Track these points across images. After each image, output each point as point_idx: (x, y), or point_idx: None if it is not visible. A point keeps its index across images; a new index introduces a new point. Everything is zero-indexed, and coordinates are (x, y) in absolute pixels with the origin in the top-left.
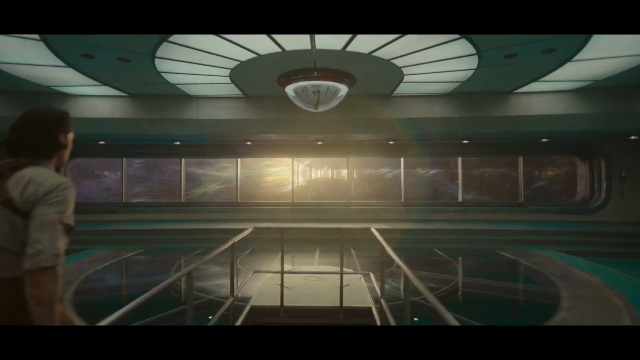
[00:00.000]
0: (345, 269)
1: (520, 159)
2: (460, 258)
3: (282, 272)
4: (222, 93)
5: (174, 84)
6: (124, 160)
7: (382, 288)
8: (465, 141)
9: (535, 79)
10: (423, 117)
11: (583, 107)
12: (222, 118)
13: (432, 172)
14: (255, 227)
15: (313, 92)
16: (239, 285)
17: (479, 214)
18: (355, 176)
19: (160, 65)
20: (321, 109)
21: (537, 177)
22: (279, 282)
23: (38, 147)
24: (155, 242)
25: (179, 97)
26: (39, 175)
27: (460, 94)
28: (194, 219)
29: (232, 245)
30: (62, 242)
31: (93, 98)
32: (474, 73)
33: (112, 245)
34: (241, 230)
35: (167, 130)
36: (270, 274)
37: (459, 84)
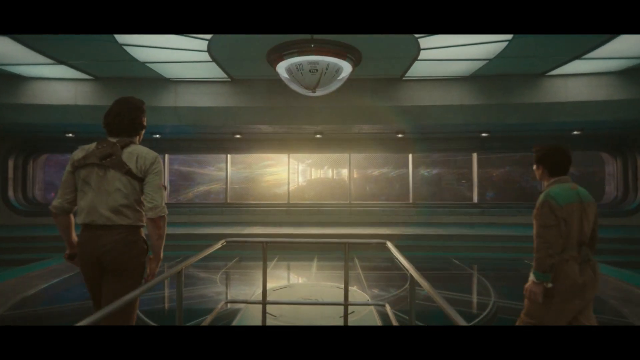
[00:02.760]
0: (350, 289)
1: None
2: (485, 271)
3: (265, 302)
4: (204, 76)
5: (143, 63)
6: None
7: None
8: (484, 134)
9: (579, 56)
10: (439, 104)
11: (630, 92)
12: (204, 105)
13: (434, 171)
14: (226, 241)
15: (310, 71)
16: (208, 318)
17: (497, 216)
18: (355, 176)
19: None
20: (319, 92)
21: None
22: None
23: (132, 128)
24: None
25: (153, 80)
26: (142, 151)
27: (483, 78)
28: (178, 221)
29: (180, 271)
30: (165, 198)
31: (53, 81)
32: (506, 47)
33: None
34: (224, 237)
35: None
36: (253, 299)
37: (485, 63)
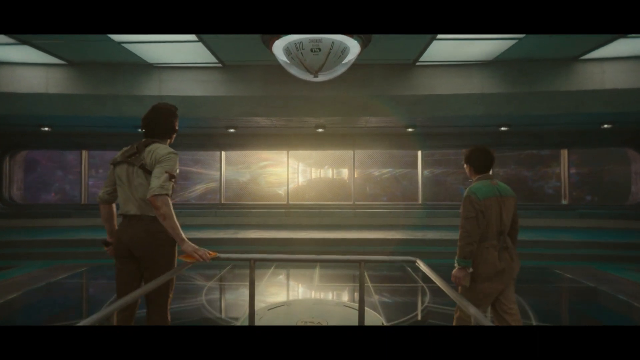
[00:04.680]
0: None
1: (565, 152)
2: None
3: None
4: (192, 60)
5: (119, 43)
6: (84, 153)
7: None
8: (503, 128)
9: (626, 33)
10: (457, 93)
11: None
12: (192, 94)
13: (437, 170)
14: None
15: (312, 50)
16: None
17: None
18: (356, 175)
19: None
20: (322, 77)
21: (528, 179)
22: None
23: (164, 132)
24: (106, 256)
25: (134, 66)
26: (158, 147)
27: (508, 63)
28: None
29: (111, 317)
30: (167, 183)
31: (20, 67)
32: None
33: (51, 261)
34: (214, 242)
35: (121, 111)
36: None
37: (513, 43)
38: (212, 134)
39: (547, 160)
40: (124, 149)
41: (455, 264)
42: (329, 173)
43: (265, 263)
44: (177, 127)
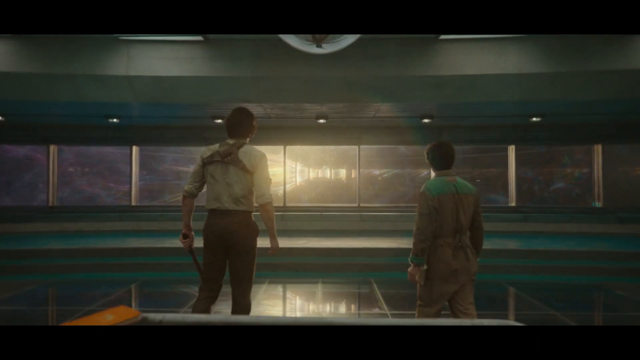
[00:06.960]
0: None
1: (599, 148)
2: (562, 307)
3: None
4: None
5: None
6: (53, 148)
7: None
8: (534, 119)
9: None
10: (489, 73)
11: None
12: (168, 75)
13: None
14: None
15: None
16: None
17: (543, 223)
18: (353, 176)
19: None
20: (328, 48)
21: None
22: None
23: (246, 131)
24: (66, 271)
25: (97, 39)
26: (253, 150)
27: (552, 36)
28: (146, 229)
29: None
30: (271, 189)
31: None
32: None
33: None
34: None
35: (82, 95)
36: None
37: None
38: (196, 126)
39: (557, 158)
40: (212, 148)
41: (409, 262)
42: (330, 173)
43: (259, 278)
44: (256, 127)
